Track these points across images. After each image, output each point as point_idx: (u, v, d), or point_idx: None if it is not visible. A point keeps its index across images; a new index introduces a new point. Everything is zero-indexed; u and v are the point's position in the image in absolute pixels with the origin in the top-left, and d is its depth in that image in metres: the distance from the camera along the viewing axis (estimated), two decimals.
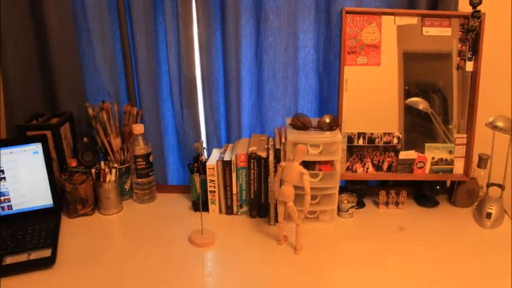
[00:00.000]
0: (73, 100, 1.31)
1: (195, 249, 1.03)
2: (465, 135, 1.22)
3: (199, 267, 0.96)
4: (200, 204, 1.15)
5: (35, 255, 0.97)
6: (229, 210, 1.20)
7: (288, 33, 1.24)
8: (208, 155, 1.26)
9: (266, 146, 1.17)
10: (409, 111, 1.21)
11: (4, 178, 1.10)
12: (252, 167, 1.14)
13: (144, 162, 1.23)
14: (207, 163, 1.17)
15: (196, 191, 1.22)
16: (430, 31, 1.17)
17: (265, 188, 1.15)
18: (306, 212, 1.02)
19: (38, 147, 1.13)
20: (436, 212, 1.22)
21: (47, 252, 0.98)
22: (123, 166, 1.26)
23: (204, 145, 1.35)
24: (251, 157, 1.13)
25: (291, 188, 0.99)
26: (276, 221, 1.13)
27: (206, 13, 1.24)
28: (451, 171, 1.24)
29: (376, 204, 1.26)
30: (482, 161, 1.18)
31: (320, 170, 1.11)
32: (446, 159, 1.23)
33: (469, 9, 1.14)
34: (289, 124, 1.16)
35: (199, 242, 1.05)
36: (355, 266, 0.97)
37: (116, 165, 1.21)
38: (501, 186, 1.15)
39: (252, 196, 1.17)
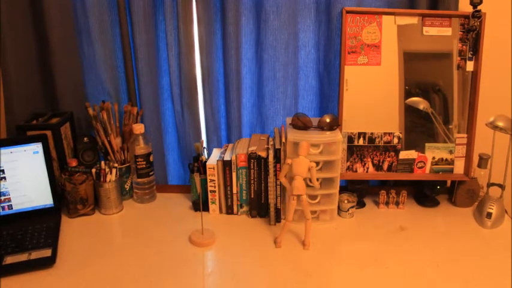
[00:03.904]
0: (73, 100, 1.31)
1: (195, 249, 1.03)
2: (465, 135, 1.22)
3: (199, 267, 0.96)
4: (200, 204, 1.15)
5: (35, 255, 0.97)
6: (229, 210, 1.20)
7: (288, 33, 1.24)
8: (209, 154, 1.26)
9: (266, 145, 1.17)
10: (410, 111, 1.21)
11: (4, 178, 1.10)
12: (252, 167, 1.14)
13: (144, 162, 1.23)
14: (207, 163, 1.16)
15: (197, 191, 1.22)
16: (430, 31, 1.17)
17: (266, 188, 1.15)
18: (317, 186, 1.06)
19: (38, 147, 1.13)
20: (437, 212, 1.22)
21: (47, 252, 0.98)
22: (124, 166, 1.26)
23: (204, 145, 1.35)
24: (251, 157, 1.13)
25: (302, 181, 1.00)
26: (277, 221, 1.14)
27: (206, 13, 1.24)
28: (451, 171, 1.24)
29: (377, 204, 1.25)
30: (483, 161, 1.18)
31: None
32: (446, 159, 1.23)
33: (469, 9, 1.14)
34: (290, 124, 1.16)
35: (200, 241, 1.05)
36: (355, 265, 0.97)
37: (116, 165, 1.21)
38: (501, 186, 1.15)
39: (252, 196, 1.17)
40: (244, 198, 1.19)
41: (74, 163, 1.19)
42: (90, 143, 1.27)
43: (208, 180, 1.17)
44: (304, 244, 1.03)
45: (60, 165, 1.22)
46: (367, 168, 1.24)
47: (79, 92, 1.32)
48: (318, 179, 1.13)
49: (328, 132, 1.12)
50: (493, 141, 1.14)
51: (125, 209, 1.24)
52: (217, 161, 1.16)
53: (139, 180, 1.25)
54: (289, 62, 1.27)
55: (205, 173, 1.18)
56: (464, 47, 1.18)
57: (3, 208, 1.11)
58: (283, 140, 1.12)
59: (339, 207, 1.18)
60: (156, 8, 1.26)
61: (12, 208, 1.12)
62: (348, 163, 1.24)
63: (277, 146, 1.12)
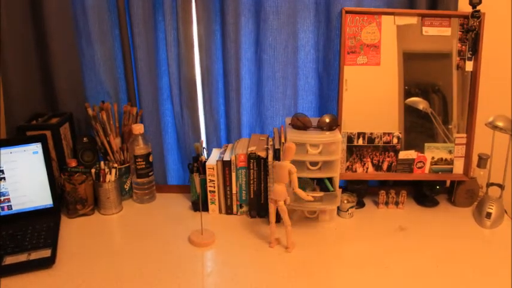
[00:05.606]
0: (73, 100, 1.31)
1: (195, 249, 1.03)
2: (465, 135, 1.22)
3: (199, 267, 0.96)
4: (200, 204, 1.15)
5: (35, 255, 0.97)
6: (229, 210, 1.20)
7: (287, 33, 1.24)
8: (208, 154, 1.26)
9: (265, 146, 1.17)
10: (409, 111, 1.21)
11: (4, 178, 1.10)
12: (251, 167, 1.14)
13: (143, 162, 1.23)
14: (207, 163, 1.17)
15: (196, 191, 1.22)
16: (429, 31, 1.17)
17: (265, 188, 1.15)
18: (306, 198, 1.01)
19: (37, 147, 1.13)
20: (436, 212, 1.22)
21: (46, 252, 0.98)
22: (123, 166, 1.26)
23: (204, 145, 1.35)
24: (251, 157, 1.13)
25: (282, 187, 0.99)
26: (276, 221, 1.13)
27: (206, 13, 1.24)
28: (450, 171, 1.24)
29: (376, 204, 1.26)
30: (482, 161, 1.18)
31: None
32: (446, 159, 1.23)
33: (468, 9, 1.14)
34: (289, 124, 1.16)
35: (199, 241, 1.05)
36: (355, 265, 0.97)
37: (115, 165, 1.21)
38: (501, 186, 1.15)
39: (251, 196, 1.17)
40: (243, 198, 1.19)
41: (73, 163, 1.19)
42: (90, 143, 1.27)
43: (208, 181, 1.18)
44: (287, 247, 1.02)
45: (59, 165, 1.22)
46: (367, 168, 1.24)
47: (78, 92, 1.32)
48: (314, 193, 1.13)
49: (327, 133, 1.12)
50: (492, 141, 1.14)
51: (125, 209, 1.24)
52: (217, 161, 1.16)
53: (139, 180, 1.25)
54: (289, 62, 1.27)
55: (204, 173, 1.18)
56: (463, 47, 1.18)
57: (2, 208, 1.11)
58: (283, 140, 1.12)
59: (338, 207, 1.18)
60: (155, 8, 1.26)
61: (11, 208, 1.12)
62: (348, 163, 1.24)
63: (277, 146, 1.12)
